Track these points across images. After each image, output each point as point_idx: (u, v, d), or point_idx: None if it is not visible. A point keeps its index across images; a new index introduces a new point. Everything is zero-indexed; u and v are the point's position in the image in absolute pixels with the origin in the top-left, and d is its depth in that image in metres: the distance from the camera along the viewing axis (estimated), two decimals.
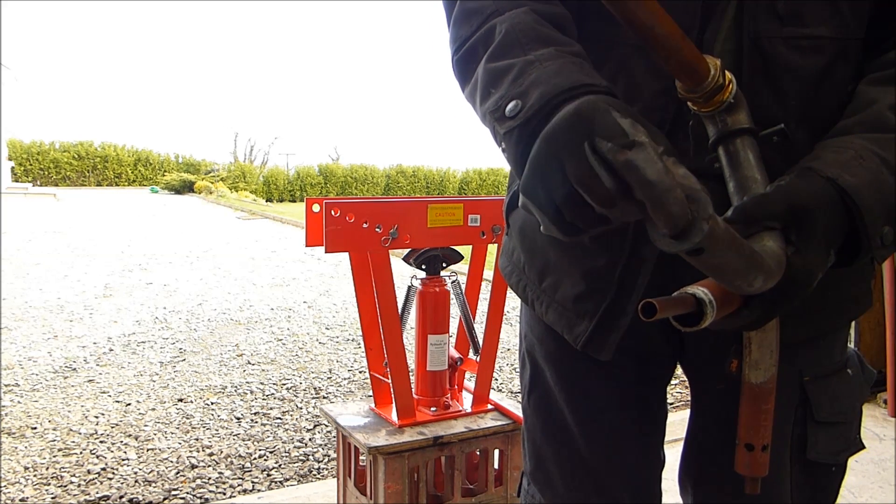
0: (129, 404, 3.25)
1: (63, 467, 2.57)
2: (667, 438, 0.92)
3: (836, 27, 0.69)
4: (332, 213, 1.58)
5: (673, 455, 0.91)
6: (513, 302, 5.54)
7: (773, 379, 0.65)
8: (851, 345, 0.90)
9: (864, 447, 0.85)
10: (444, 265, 1.88)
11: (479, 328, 1.85)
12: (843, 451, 0.83)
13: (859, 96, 0.68)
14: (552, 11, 0.70)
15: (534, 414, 0.92)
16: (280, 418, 3.11)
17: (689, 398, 0.92)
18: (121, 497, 2.35)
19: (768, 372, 0.65)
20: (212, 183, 21.10)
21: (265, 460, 2.67)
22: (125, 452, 2.71)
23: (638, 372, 0.85)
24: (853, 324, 2.48)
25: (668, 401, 0.93)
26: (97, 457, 2.67)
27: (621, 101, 0.57)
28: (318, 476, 2.56)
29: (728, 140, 0.63)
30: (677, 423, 0.93)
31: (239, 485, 2.47)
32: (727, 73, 0.61)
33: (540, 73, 0.60)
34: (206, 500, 2.36)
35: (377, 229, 1.62)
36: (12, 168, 21.42)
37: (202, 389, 3.48)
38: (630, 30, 0.55)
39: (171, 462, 2.64)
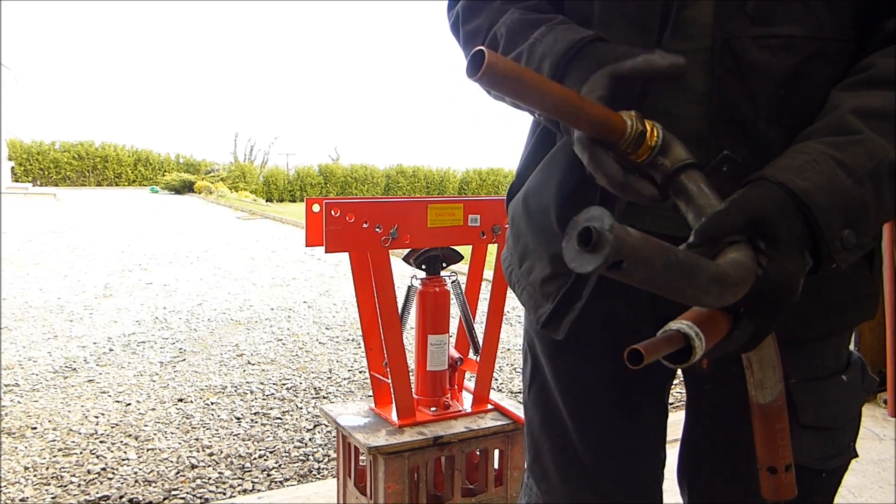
0: (129, 404, 3.25)
1: (63, 467, 2.57)
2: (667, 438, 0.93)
3: (810, 27, 0.69)
4: (332, 213, 1.58)
5: (673, 455, 0.92)
6: (513, 302, 5.53)
7: (782, 396, 0.64)
8: (851, 346, 0.89)
9: (856, 455, 0.84)
10: (444, 265, 1.88)
11: (479, 328, 1.85)
12: (832, 457, 0.82)
13: (828, 102, 0.69)
14: (533, 4, 0.81)
15: (533, 407, 0.94)
16: (280, 418, 3.11)
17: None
18: (121, 497, 2.35)
19: (775, 389, 0.63)
20: (212, 183, 21.09)
21: (265, 460, 2.67)
22: (125, 452, 2.71)
23: (634, 371, 0.86)
24: None
25: (668, 401, 0.93)
26: (97, 457, 2.67)
27: (604, 43, 0.68)
28: (318, 476, 2.56)
29: (673, 180, 0.63)
30: (677, 423, 0.93)
31: (239, 485, 2.47)
32: (646, 120, 0.62)
33: (543, 47, 0.71)
34: (206, 500, 2.36)
35: (377, 229, 1.62)
36: (12, 168, 21.41)
37: (202, 389, 3.48)
38: (526, 105, 0.59)
39: (171, 462, 2.64)
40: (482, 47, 0.54)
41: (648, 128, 0.62)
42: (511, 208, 0.92)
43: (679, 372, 0.91)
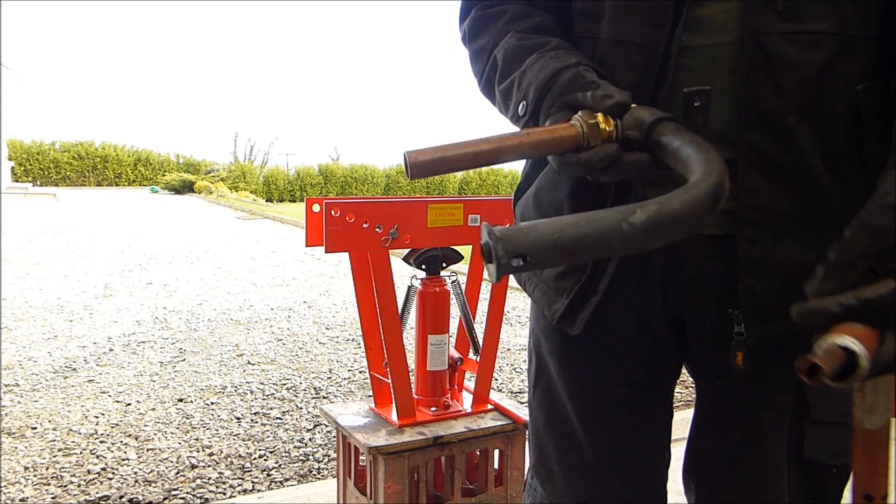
0: (129, 404, 3.25)
1: (63, 467, 2.57)
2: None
3: (836, 23, 0.71)
4: (332, 213, 1.58)
5: (676, 454, 0.91)
6: (513, 302, 5.53)
7: (890, 424, 0.62)
8: None
9: None
10: (444, 265, 1.88)
11: (479, 328, 1.85)
12: (842, 453, 0.83)
13: None
14: (533, 24, 0.83)
15: (538, 407, 0.93)
16: (280, 418, 3.11)
17: (694, 397, 0.92)
18: (121, 497, 2.35)
19: (884, 416, 0.61)
20: (212, 183, 21.08)
21: (265, 460, 2.67)
22: (125, 452, 2.71)
23: (642, 368, 0.86)
24: None
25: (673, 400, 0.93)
26: (97, 457, 2.67)
27: (586, 68, 0.71)
28: (318, 476, 2.56)
29: (648, 142, 0.65)
30: (678, 422, 0.93)
31: (239, 485, 2.47)
32: (594, 114, 0.65)
33: (531, 75, 0.75)
34: (206, 500, 2.36)
35: (377, 229, 1.62)
36: (12, 168, 21.40)
37: (202, 389, 3.48)
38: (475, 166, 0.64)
39: (171, 462, 2.64)
40: (406, 151, 0.61)
41: (600, 118, 0.65)
42: (520, 208, 0.93)
43: (684, 370, 0.91)
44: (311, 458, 2.70)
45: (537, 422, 0.94)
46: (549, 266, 0.52)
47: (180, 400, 3.32)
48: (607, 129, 0.64)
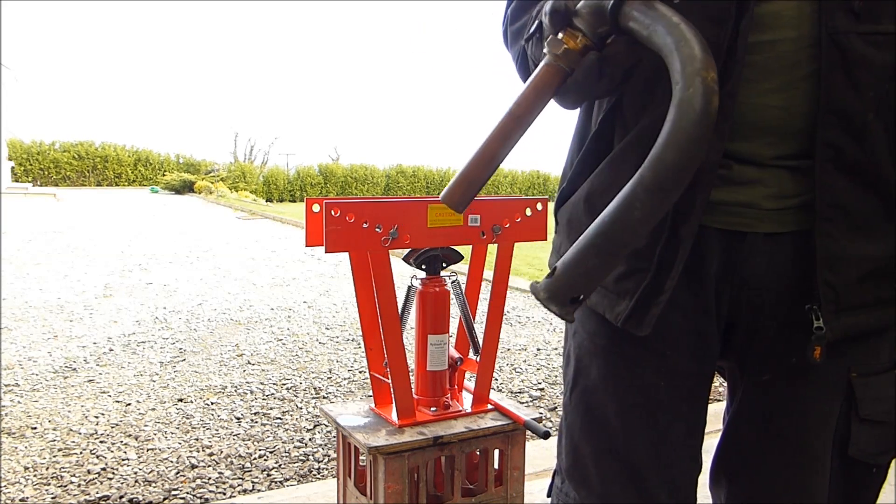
0: (129, 404, 3.25)
1: (63, 467, 2.57)
2: None
3: None
4: (332, 213, 1.58)
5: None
6: (513, 302, 5.54)
7: None
8: None
9: None
10: (444, 265, 1.88)
11: (479, 328, 1.85)
12: (885, 452, 0.83)
13: None
14: None
15: (574, 410, 0.92)
16: (280, 418, 3.11)
17: (728, 393, 0.92)
18: (121, 497, 2.35)
19: None
20: (212, 183, 21.08)
21: (265, 460, 2.67)
22: (125, 452, 2.71)
23: (688, 370, 0.86)
24: None
25: None
26: (97, 457, 2.67)
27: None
28: (318, 476, 2.56)
29: (618, 27, 0.63)
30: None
31: (239, 485, 2.47)
32: (559, 41, 0.65)
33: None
34: (206, 500, 2.36)
35: (377, 229, 1.62)
36: (12, 168, 21.40)
37: (202, 389, 3.48)
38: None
39: (171, 462, 2.64)
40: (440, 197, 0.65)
41: (565, 40, 0.64)
42: (566, 212, 0.91)
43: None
44: (311, 458, 2.71)
45: (573, 425, 0.92)
46: (604, 279, 0.57)
47: (180, 400, 3.32)
48: (576, 45, 0.63)
